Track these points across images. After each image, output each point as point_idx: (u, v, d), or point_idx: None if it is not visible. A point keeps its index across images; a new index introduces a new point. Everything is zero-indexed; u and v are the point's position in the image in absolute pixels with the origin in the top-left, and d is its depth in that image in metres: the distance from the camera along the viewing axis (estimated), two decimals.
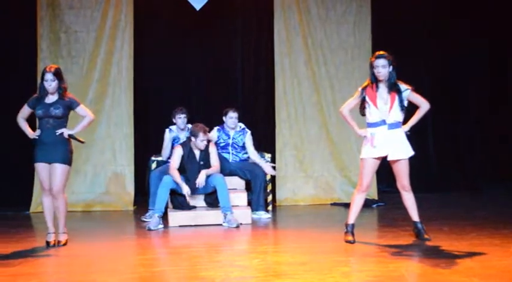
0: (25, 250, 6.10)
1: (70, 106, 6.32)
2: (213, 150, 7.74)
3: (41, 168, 6.26)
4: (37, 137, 6.25)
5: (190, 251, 6.12)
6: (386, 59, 5.98)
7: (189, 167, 7.60)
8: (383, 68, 5.97)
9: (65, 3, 9.06)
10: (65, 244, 6.29)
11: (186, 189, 7.38)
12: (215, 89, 9.83)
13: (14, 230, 7.26)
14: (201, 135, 7.53)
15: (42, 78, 6.27)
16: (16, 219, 8.13)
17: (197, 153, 7.65)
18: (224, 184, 7.45)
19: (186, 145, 7.68)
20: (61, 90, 6.27)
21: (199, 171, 7.53)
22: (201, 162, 7.63)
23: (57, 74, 6.26)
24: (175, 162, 7.60)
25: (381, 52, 6.06)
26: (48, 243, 6.28)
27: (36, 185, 8.61)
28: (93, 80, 9.09)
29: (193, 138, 7.58)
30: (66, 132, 6.24)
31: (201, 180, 7.47)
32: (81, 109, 6.38)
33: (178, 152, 7.64)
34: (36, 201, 8.65)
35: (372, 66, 6.04)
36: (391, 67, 5.99)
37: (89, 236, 6.89)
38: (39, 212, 8.38)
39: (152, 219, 7.32)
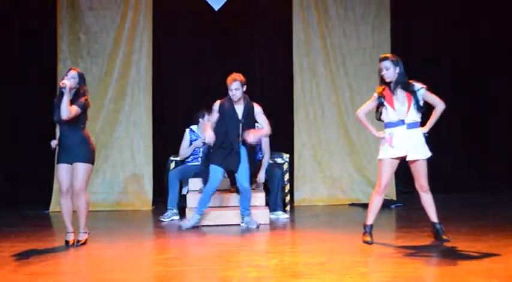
0: (45, 249, 6.15)
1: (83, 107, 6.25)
2: (259, 111, 7.28)
3: (61, 169, 6.28)
4: (55, 147, 6.31)
5: (208, 251, 6.14)
6: (390, 60, 6.04)
7: (230, 125, 7.13)
8: (387, 70, 6.04)
9: (84, 5, 9.15)
10: (84, 243, 6.33)
11: (208, 138, 7.03)
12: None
13: (33, 229, 7.32)
14: (231, 84, 7.11)
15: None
16: (36, 218, 8.20)
17: (239, 109, 7.20)
18: (250, 193, 7.28)
19: (228, 100, 7.20)
20: (77, 93, 6.21)
21: (241, 129, 7.14)
22: (242, 120, 7.18)
23: (81, 76, 6.26)
24: (214, 117, 7.20)
25: (385, 54, 6.20)
26: (67, 242, 6.32)
27: (55, 184, 8.68)
28: (112, 81, 9.16)
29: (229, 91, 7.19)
30: (66, 88, 6.05)
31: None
32: (73, 106, 6.15)
33: (216, 108, 7.19)
34: (55, 201, 8.72)
35: (379, 70, 6.13)
36: (397, 68, 6.02)
37: (107, 236, 6.93)
38: (58, 211, 8.44)
39: (191, 220, 7.23)
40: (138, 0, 9.17)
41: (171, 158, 8.46)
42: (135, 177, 9.14)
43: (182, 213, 7.81)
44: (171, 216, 7.88)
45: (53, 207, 8.79)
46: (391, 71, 6.03)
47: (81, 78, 6.29)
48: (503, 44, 9.92)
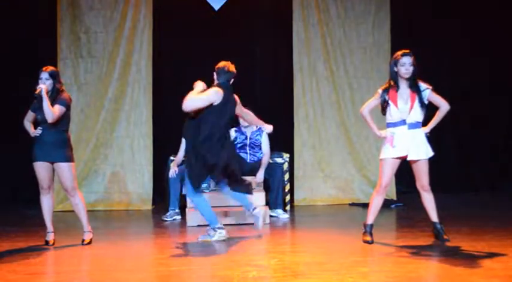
0: (44, 249, 6.17)
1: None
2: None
3: (41, 167, 6.23)
4: (38, 135, 6.19)
5: (208, 250, 6.13)
6: (412, 56, 5.97)
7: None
8: (410, 65, 5.95)
9: (84, 4, 9.14)
10: (89, 243, 6.32)
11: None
12: (234, 88, 9.81)
13: (34, 228, 7.30)
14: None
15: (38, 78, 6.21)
16: (36, 218, 8.17)
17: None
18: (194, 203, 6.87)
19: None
20: (55, 92, 6.19)
21: None
22: None
23: (53, 75, 6.21)
24: None
25: (407, 50, 6.04)
26: (47, 242, 6.30)
27: (55, 184, 8.66)
28: (113, 80, 9.15)
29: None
30: (43, 91, 6.07)
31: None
32: (56, 106, 6.15)
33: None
34: (56, 200, 8.70)
35: (396, 64, 6.00)
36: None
37: (107, 235, 6.92)
38: (59, 211, 8.48)
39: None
40: (138, 0, 9.17)
41: (171, 158, 8.45)
42: (135, 177, 9.13)
43: (183, 213, 7.81)
44: (173, 215, 7.89)
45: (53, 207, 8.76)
46: (412, 68, 5.95)
47: (54, 76, 6.22)
48: (504, 44, 9.91)
